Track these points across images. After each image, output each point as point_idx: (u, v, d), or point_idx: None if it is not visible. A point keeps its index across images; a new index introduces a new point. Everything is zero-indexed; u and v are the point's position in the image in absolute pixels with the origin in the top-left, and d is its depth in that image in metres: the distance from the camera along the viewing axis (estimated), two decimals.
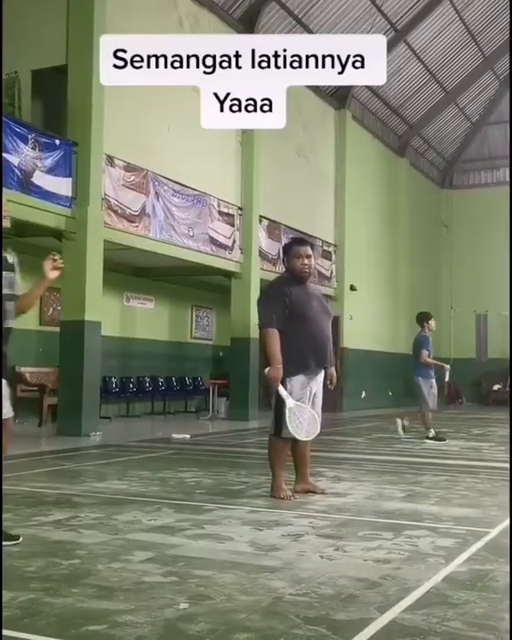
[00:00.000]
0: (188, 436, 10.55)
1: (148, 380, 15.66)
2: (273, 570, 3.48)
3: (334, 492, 5.75)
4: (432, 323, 10.65)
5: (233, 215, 14.65)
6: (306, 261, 5.47)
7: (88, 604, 2.95)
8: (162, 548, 3.88)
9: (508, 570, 3.52)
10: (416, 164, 24.51)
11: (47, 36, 11.43)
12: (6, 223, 3.93)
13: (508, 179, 26.05)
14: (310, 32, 16.90)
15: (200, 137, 13.78)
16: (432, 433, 10.24)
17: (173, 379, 16.49)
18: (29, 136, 10.05)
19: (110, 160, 11.37)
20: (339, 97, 19.21)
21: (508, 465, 7.91)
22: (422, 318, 10.79)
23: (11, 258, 4.08)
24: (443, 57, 21.28)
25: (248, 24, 15.12)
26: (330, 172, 19.11)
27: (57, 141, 10.50)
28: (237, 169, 15.08)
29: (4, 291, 3.89)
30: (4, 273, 3.90)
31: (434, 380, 10.51)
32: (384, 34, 18.29)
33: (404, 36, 19.13)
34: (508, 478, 6.18)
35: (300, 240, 5.87)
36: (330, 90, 18.98)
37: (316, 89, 18.21)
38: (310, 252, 5.53)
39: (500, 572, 3.51)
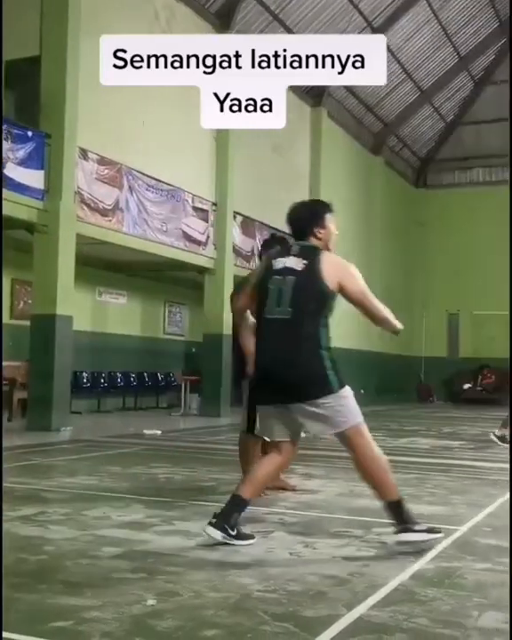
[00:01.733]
0: (160, 432, 10.51)
1: (119, 375, 15.59)
2: (242, 566, 3.48)
3: (305, 489, 5.76)
4: None
5: (207, 211, 14.62)
6: None
7: (55, 600, 2.93)
8: (131, 544, 3.86)
9: (508, 569, 3.55)
10: (391, 162, 24.62)
11: (21, 26, 11.29)
12: None
13: (481, 179, 26.31)
14: (287, 28, 16.91)
15: (175, 132, 13.74)
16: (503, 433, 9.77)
17: (145, 374, 16.43)
18: (2, 127, 9.94)
19: (84, 153, 11.29)
20: (314, 94, 19.23)
21: (477, 463, 7.99)
22: None
23: None
24: (418, 56, 21.40)
25: (224, 18, 15.08)
26: (305, 169, 19.14)
27: (30, 133, 10.41)
28: (212, 164, 15.05)
29: None
30: None
31: None
32: (360, 32, 18.37)
33: (380, 34, 19.16)
34: (509, 477, 6.20)
35: (281, 240, 5.88)
36: (306, 87, 18.99)
37: (291, 86, 18.20)
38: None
39: (467, 569, 3.53)
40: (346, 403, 3.89)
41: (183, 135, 13.89)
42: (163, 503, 5.06)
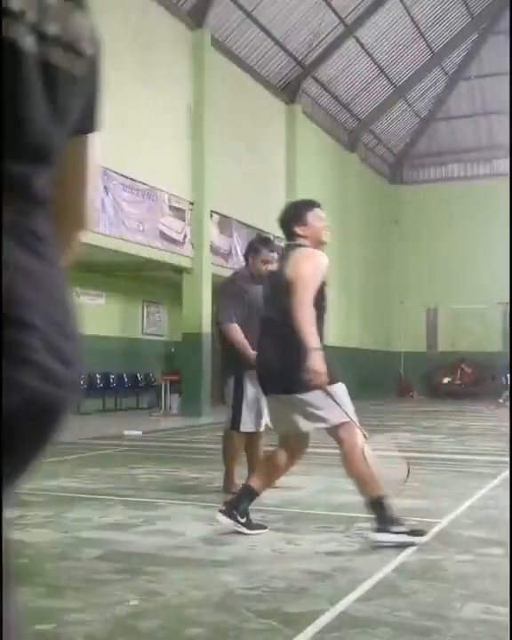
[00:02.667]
0: (140, 433, 10.48)
1: (98, 376, 15.53)
2: (225, 564, 3.47)
3: (286, 486, 5.75)
4: None
5: (184, 210, 14.58)
6: (268, 267, 5.51)
7: (37, 604, 2.90)
8: (113, 546, 3.84)
9: (509, 566, 3.57)
10: (366, 159, 24.70)
11: None
12: None
13: (456, 174, 26.46)
14: (260, 26, 16.91)
15: (149, 131, 13.70)
16: None
17: (125, 375, 16.36)
18: None
19: None
20: (289, 92, 19.24)
21: (458, 456, 8.04)
22: None
23: None
24: (392, 53, 21.48)
25: (197, 17, 15.05)
26: (280, 167, 19.15)
27: None
28: (188, 163, 15.00)
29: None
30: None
31: None
32: (333, 29, 18.42)
33: (353, 31, 19.25)
34: (509, 473, 6.25)
35: (267, 242, 5.91)
36: (280, 84, 19.01)
37: (265, 83, 18.23)
38: (275, 258, 5.57)
39: (449, 561, 3.55)
40: (331, 398, 3.91)
41: (158, 134, 13.86)
42: (144, 503, 5.04)
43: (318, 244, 4.15)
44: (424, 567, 3.44)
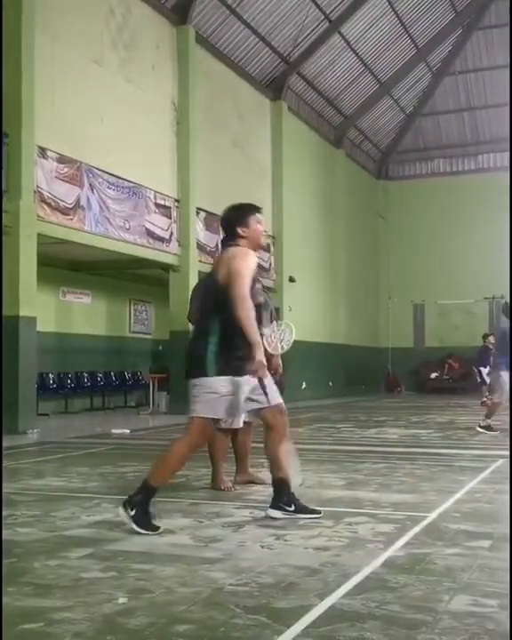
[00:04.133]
0: (128, 431, 10.46)
1: (86, 375, 15.48)
2: (213, 561, 3.47)
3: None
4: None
5: (170, 207, 14.55)
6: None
7: (25, 603, 2.89)
8: (101, 544, 3.82)
9: (510, 562, 3.57)
10: (352, 155, 24.71)
11: None
12: None
13: (442, 170, 26.53)
14: (244, 22, 16.87)
15: (134, 128, 13.65)
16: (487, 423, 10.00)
17: (112, 374, 16.32)
18: None
19: (42, 152, 11.16)
20: (274, 88, 19.22)
21: (445, 451, 8.06)
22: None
23: None
24: (376, 48, 21.48)
25: (181, 14, 15.00)
26: (267, 163, 19.13)
27: None
28: (173, 160, 14.97)
29: (261, 298, 4.54)
30: (261, 282, 4.53)
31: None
32: (318, 25, 18.41)
33: (337, 26, 19.24)
34: (509, 469, 6.27)
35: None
36: (265, 81, 18.98)
37: (250, 80, 18.20)
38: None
39: (437, 554, 3.56)
40: (209, 392, 4.12)
41: (143, 131, 13.81)
42: None
43: (256, 246, 4.42)
44: (412, 561, 3.45)
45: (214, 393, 4.11)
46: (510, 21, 20.73)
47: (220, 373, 4.11)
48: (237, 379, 4.13)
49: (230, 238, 4.43)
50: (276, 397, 4.33)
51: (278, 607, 2.81)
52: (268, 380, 4.27)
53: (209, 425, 4.23)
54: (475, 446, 8.49)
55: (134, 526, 3.97)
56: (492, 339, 17.31)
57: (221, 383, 4.12)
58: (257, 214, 4.47)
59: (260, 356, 4.05)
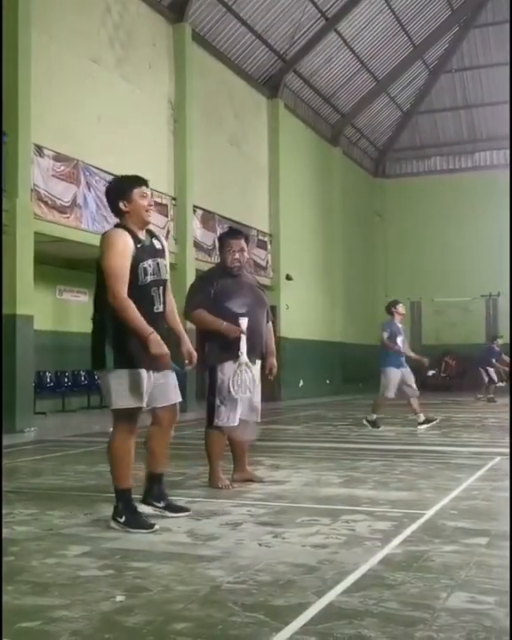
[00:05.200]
0: None
1: (83, 373, 15.45)
2: (211, 559, 3.47)
3: (272, 480, 5.77)
4: (400, 308, 10.55)
5: (166, 205, 14.54)
6: (237, 255, 5.47)
7: (22, 601, 2.89)
8: (98, 542, 3.82)
9: (510, 559, 3.58)
10: (349, 153, 24.71)
11: None
12: None
13: (438, 167, 26.53)
14: (240, 20, 16.86)
15: (131, 126, 13.64)
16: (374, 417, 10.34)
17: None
18: None
19: (39, 150, 11.14)
20: (271, 86, 19.20)
21: (442, 448, 8.07)
22: (389, 306, 10.75)
23: (159, 244, 4.23)
24: (373, 46, 21.47)
25: (178, 11, 14.99)
26: (263, 161, 19.12)
27: None
28: (170, 158, 14.96)
29: (154, 277, 4.12)
30: (159, 260, 4.17)
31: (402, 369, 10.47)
32: (314, 22, 18.39)
33: (334, 24, 19.22)
34: (509, 464, 6.27)
35: (232, 232, 5.86)
36: (262, 79, 18.96)
37: (247, 77, 18.19)
38: (243, 245, 5.53)
39: (434, 552, 3.56)
40: (111, 383, 4.06)
41: (139, 129, 13.80)
42: None
43: (141, 223, 4.13)
44: (410, 558, 3.45)
45: (118, 379, 4.04)
46: (510, 19, 20.72)
47: (117, 365, 4.01)
48: (134, 370, 4.04)
49: (115, 214, 4.19)
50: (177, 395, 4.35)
51: (276, 605, 2.81)
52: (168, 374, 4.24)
53: (130, 413, 4.16)
54: (472, 444, 8.50)
55: (130, 531, 4.00)
56: (500, 341, 17.72)
57: (119, 375, 4.03)
58: (142, 187, 4.13)
59: (155, 349, 3.94)
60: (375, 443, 8.63)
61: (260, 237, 18.42)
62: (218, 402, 5.32)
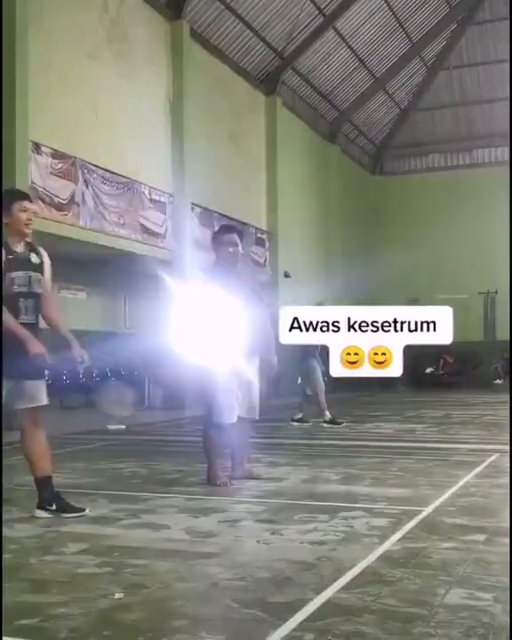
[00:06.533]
0: (124, 427, 10.44)
1: (81, 371, 15.43)
2: (209, 556, 3.47)
3: (271, 477, 5.77)
4: None
5: (165, 203, 14.52)
6: (231, 249, 5.47)
7: (21, 599, 2.89)
8: (97, 539, 3.82)
9: (509, 556, 3.58)
10: (347, 150, 24.69)
11: None
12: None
13: (437, 165, 26.52)
14: (238, 17, 16.83)
15: (129, 124, 13.62)
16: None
17: (108, 369, 16.27)
18: None
19: (36, 147, 11.12)
20: (269, 83, 19.18)
21: (441, 445, 8.08)
22: None
23: (37, 258, 4.51)
24: (371, 43, 21.45)
25: (175, 8, 14.96)
26: (261, 158, 19.10)
27: None
28: (168, 156, 14.94)
29: (23, 289, 4.36)
30: (31, 273, 4.45)
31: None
32: (312, 20, 18.36)
33: (332, 21, 19.20)
34: (509, 462, 6.28)
35: (225, 228, 5.86)
36: (260, 76, 18.94)
37: (245, 75, 18.16)
38: (236, 239, 5.53)
39: (432, 548, 3.57)
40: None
41: (137, 127, 13.78)
42: (128, 497, 5.02)
43: (19, 234, 4.41)
44: (408, 555, 3.46)
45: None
46: (510, 18, 20.70)
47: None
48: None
49: None
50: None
51: (274, 602, 2.81)
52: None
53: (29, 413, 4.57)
54: (470, 441, 8.51)
55: (63, 516, 4.27)
56: None
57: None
58: (23, 202, 4.44)
59: (32, 348, 4.34)
60: (373, 440, 8.64)
61: (258, 235, 18.41)
62: (215, 400, 5.32)
